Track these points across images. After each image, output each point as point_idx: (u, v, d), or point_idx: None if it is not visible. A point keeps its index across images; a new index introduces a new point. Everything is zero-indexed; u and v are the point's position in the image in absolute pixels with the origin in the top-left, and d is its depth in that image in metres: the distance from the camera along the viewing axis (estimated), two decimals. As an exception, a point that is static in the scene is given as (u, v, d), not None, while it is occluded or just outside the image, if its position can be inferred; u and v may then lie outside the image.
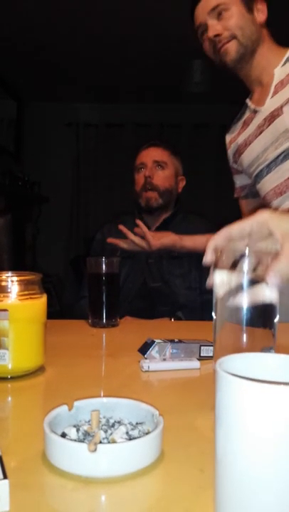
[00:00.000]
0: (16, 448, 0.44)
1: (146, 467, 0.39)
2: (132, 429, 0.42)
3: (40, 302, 0.66)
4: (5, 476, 0.34)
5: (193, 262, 1.38)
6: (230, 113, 1.28)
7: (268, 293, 0.54)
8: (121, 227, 1.23)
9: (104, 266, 1.02)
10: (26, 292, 0.64)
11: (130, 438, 0.41)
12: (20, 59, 3.21)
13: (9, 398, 0.60)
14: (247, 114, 1.14)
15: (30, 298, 0.64)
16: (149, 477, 0.38)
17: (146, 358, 0.71)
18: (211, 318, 0.80)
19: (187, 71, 3.02)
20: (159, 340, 0.72)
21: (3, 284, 0.64)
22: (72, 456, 0.38)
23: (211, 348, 0.73)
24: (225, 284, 0.57)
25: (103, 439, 0.40)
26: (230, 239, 0.58)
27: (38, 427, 0.42)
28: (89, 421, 0.43)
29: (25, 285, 0.65)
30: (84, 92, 3.92)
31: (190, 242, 1.22)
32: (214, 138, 3.87)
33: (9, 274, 0.66)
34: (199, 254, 1.36)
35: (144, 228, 1.22)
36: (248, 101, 1.13)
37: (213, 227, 1.50)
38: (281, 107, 1.02)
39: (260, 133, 1.08)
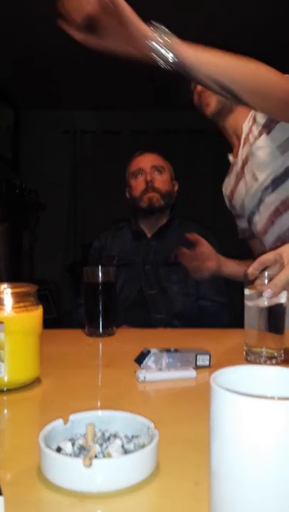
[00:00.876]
0: (11, 462, 0.44)
1: (142, 481, 0.39)
2: (128, 443, 0.42)
3: (36, 314, 0.66)
4: (0, 493, 0.34)
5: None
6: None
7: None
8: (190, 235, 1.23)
9: (100, 275, 1.02)
10: (22, 304, 0.64)
11: (126, 451, 0.41)
12: (17, 67, 3.23)
13: (5, 411, 0.60)
14: (231, 166, 1.26)
15: (26, 310, 0.64)
16: (144, 491, 0.38)
17: (142, 368, 0.71)
18: (207, 326, 0.85)
19: (184, 78, 3.02)
20: (155, 350, 0.72)
21: (-1, 296, 0.64)
22: (67, 471, 0.38)
23: (207, 356, 0.74)
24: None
25: (98, 453, 0.40)
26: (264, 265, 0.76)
27: (34, 441, 0.42)
28: (84, 434, 0.43)
29: (20, 297, 0.65)
30: (80, 100, 3.94)
31: (232, 268, 1.24)
32: (210, 144, 3.89)
33: (5, 285, 0.66)
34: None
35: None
36: (229, 155, 1.24)
37: (209, 233, 1.52)
38: (247, 155, 1.13)
39: (239, 181, 1.19)
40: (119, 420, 0.45)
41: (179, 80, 0.94)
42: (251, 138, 1.11)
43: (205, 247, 1.21)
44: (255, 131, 1.10)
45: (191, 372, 0.68)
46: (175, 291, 1.36)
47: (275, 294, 0.71)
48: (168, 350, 0.73)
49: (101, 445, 0.41)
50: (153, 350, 0.72)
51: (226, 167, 1.26)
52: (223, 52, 0.81)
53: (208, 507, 0.32)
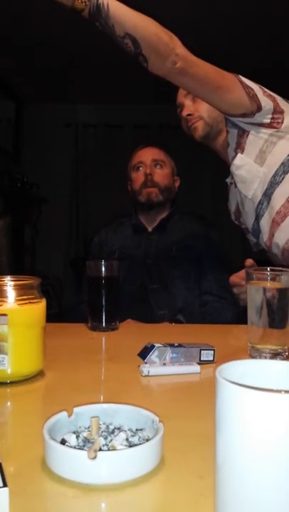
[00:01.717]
0: (15, 454, 0.44)
1: (147, 474, 0.39)
2: (132, 436, 0.42)
3: (40, 307, 0.66)
4: (5, 484, 0.34)
5: (192, 262, 1.38)
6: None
7: None
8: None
9: (103, 269, 1.01)
10: (25, 297, 0.64)
11: (130, 445, 0.41)
12: (19, 60, 3.21)
13: (8, 403, 0.60)
14: (228, 186, 1.28)
15: (30, 302, 0.64)
16: (149, 484, 0.38)
17: (146, 363, 0.70)
18: (210, 321, 0.86)
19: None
20: (159, 345, 0.72)
21: (3, 288, 0.64)
22: (72, 463, 0.38)
23: (212, 352, 0.73)
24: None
25: (103, 445, 0.40)
26: None
27: (38, 433, 0.42)
28: (89, 427, 0.43)
29: (24, 290, 0.65)
30: (83, 93, 3.92)
31: None
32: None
33: (8, 278, 0.66)
34: (198, 254, 1.37)
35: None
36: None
37: (210, 229, 1.51)
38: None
39: (236, 200, 1.21)
40: (123, 413, 0.45)
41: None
42: (231, 160, 1.13)
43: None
44: (231, 152, 1.12)
45: (195, 367, 0.68)
46: (177, 285, 1.36)
47: None
48: (172, 345, 0.72)
49: (105, 438, 0.41)
50: (157, 345, 0.72)
51: (228, 163, 1.26)
52: (127, 6, 0.89)
53: (213, 501, 0.32)
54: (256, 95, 1.00)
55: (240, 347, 0.80)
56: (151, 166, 1.45)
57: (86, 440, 0.41)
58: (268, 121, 1.04)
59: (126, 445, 0.40)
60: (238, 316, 1.31)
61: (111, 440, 0.41)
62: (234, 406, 0.29)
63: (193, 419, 0.53)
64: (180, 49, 0.92)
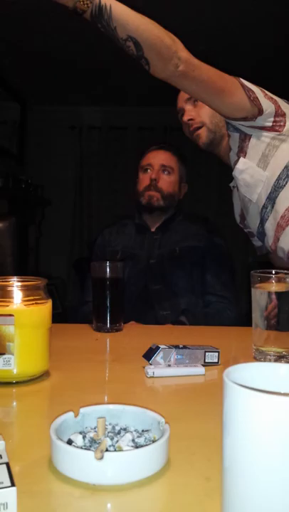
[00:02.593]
0: (21, 454, 0.44)
1: (153, 475, 0.39)
2: (138, 437, 0.42)
3: (46, 307, 0.66)
4: (12, 484, 0.34)
5: (195, 262, 1.38)
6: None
7: None
8: None
9: (108, 270, 1.02)
10: (32, 297, 0.65)
11: (136, 446, 0.41)
12: (24, 62, 3.22)
13: (14, 403, 0.60)
14: (233, 190, 1.27)
15: (36, 303, 0.65)
16: (155, 485, 0.38)
17: (151, 364, 0.71)
18: (213, 321, 0.85)
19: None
20: (164, 346, 0.72)
21: (9, 289, 0.64)
22: (78, 463, 0.38)
23: (216, 354, 0.74)
24: None
25: (109, 446, 0.41)
26: None
27: (44, 433, 0.42)
28: (95, 428, 0.43)
29: (30, 290, 0.65)
30: (87, 95, 3.94)
31: None
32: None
33: (14, 279, 0.66)
34: (201, 255, 1.37)
35: None
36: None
37: (213, 229, 1.51)
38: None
39: (241, 204, 1.21)
40: (129, 414, 0.45)
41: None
42: (233, 165, 1.12)
43: None
44: (234, 156, 1.12)
45: (200, 369, 0.69)
46: (180, 286, 1.36)
47: None
48: (177, 347, 0.73)
49: (112, 438, 0.41)
50: (162, 346, 0.72)
51: (230, 165, 1.26)
52: (130, 9, 0.89)
53: (220, 502, 0.32)
54: (257, 98, 1.00)
55: (245, 349, 0.80)
56: (159, 171, 1.44)
57: (92, 440, 0.41)
58: (270, 124, 1.04)
59: (132, 446, 0.41)
60: (241, 317, 1.31)
61: (117, 441, 0.41)
62: (242, 409, 0.29)
63: (199, 421, 0.53)
64: (182, 52, 0.92)
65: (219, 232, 1.52)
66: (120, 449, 0.40)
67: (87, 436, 0.42)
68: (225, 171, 1.33)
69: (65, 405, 0.46)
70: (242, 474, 0.29)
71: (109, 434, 0.42)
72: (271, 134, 1.05)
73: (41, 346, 0.65)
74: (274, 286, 0.77)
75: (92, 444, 0.41)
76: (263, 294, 0.77)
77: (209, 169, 4.02)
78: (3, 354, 0.61)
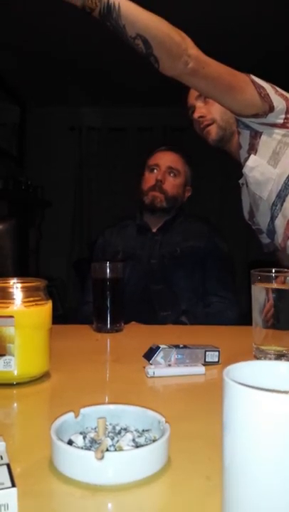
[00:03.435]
0: (22, 454, 0.44)
1: (153, 475, 0.39)
2: (139, 437, 0.42)
3: (46, 308, 0.66)
4: (13, 484, 0.34)
5: (196, 262, 1.38)
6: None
7: None
8: None
9: (108, 271, 1.02)
10: (32, 299, 0.65)
11: (137, 445, 0.41)
12: (23, 63, 3.23)
13: (15, 404, 0.60)
14: (242, 187, 1.26)
15: (36, 304, 0.65)
16: (155, 485, 0.38)
17: (151, 364, 0.71)
18: (214, 322, 0.84)
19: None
20: (164, 346, 0.72)
21: (9, 290, 0.64)
22: (79, 463, 0.38)
23: (216, 353, 0.74)
24: None
25: (110, 446, 0.41)
26: None
27: (44, 434, 0.42)
28: (95, 428, 0.43)
29: (30, 292, 0.65)
30: (86, 96, 3.94)
31: None
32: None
33: (15, 280, 0.66)
34: (202, 255, 1.37)
35: None
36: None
37: (214, 230, 1.51)
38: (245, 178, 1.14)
39: (250, 201, 1.20)
40: (129, 414, 0.45)
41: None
42: (243, 162, 1.12)
43: None
44: (244, 154, 1.11)
45: (200, 369, 0.68)
46: (181, 286, 1.36)
47: None
48: (177, 346, 0.73)
49: (112, 438, 0.41)
50: (162, 346, 0.72)
51: (232, 165, 1.26)
52: (138, 6, 0.88)
53: (220, 501, 0.32)
54: (268, 95, 1.00)
55: (245, 348, 0.80)
56: (165, 173, 1.44)
57: (93, 441, 0.41)
58: (281, 121, 1.03)
59: (133, 446, 0.41)
60: (242, 316, 1.31)
61: (118, 441, 0.41)
62: (242, 407, 0.29)
63: (199, 420, 0.53)
64: (192, 49, 0.91)
65: (220, 232, 1.52)
66: (121, 449, 0.40)
67: (87, 436, 0.42)
68: (226, 171, 1.33)
69: (66, 406, 0.46)
70: (242, 473, 0.29)
71: (110, 434, 0.42)
72: (282, 131, 1.04)
73: (41, 347, 0.65)
74: (274, 285, 0.77)
75: (92, 445, 0.41)
76: (263, 292, 0.77)
77: (211, 170, 4.01)
78: (4, 355, 0.61)
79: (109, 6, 0.84)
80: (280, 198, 1.06)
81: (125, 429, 0.43)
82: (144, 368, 0.69)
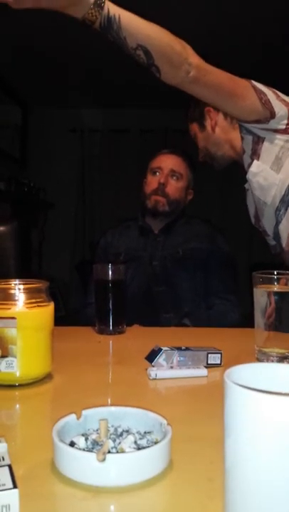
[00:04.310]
0: (24, 456, 0.44)
1: (155, 477, 0.39)
2: (141, 439, 0.42)
3: (48, 310, 0.66)
4: (15, 486, 0.34)
5: (198, 264, 1.38)
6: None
7: None
8: None
9: (110, 273, 1.02)
10: (34, 300, 0.65)
11: (139, 447, 0.41)
12: (25, 65, 3.24)
13: (17, 406, 0.60)
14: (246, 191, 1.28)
15: (38, 306, 0.65)
16: (157, 487, 0.38)
17: (153, 366, 0.71)
18: (216, 324, 0.84)
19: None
20: (166, 348, 0.72)
21: (11, 292, 0.65)
22: (81, 465, 0.38)
23: (219, 355, 0.73)
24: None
25: (112, 448, 0.41)
26: None
27: (46, 435, 0.42)
28: (97, 430, 0.43)
29: (32, 293, 0.65)
30: (88, 98, 3.95)
31: None
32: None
33: (17, 282, 0.66)
34: (204, 257, 1.37)
35: None
36: None
37: (216, 231, 1.50)
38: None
39: (255, 206, 1.20)
40: (131, 416, 0.45)
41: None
42: (247, 167, 1.13)
43: None
44: (247, 159, 1.12)
45: (203, 371, 0.68)
46: (183, 287, 1.36)
47: None
48: (179, 349, 0.73)
49: (114, 440, 0.41)
50: (164, 348, 0.72)
51: (234, 166, 1.26)
52: (138, 17, 0.88)
53: (222, 504, 0.32)
54: (269, 101, 1.00)
55: (247, 350, 0.80)
56: (168, 176, 1.44)
57: (95, 442, 0.41)
58: (283, 127, 1.04)
59: (134, 448, 0.41)
60: (244, 318, 1.31)
61: (119, 443, 0.41)
62: (243, 410, 0.29)
63: (201, 422, 0.53)
64: (193, 58, 0.91)
65: (222, 233, 1.52)
66: (122, 451, 0.40)
67: (89, 438, 0.42)
68: (228, 174, 1.34)
69: (68, 408, 0.46)
70: (244, 475, 0.29)
71: (112, 436, 0.42)
72: (285, 137, 1.05)
73: (44, 349, 0.65)
74: (276, 287, 0.77)
75: (94, 446, 0.41)
76: (265, 295, 0.77)
77: (212, 172, 4.01)
78: (6, 357, 0.61)
79: (110, 19, 0.84)
80: (284, 202, 1.06)
81: (127, 431, 0.43)
82: (146, 370, 0.69)
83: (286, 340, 0.76)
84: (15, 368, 0.62)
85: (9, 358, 0.61)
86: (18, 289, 0.65)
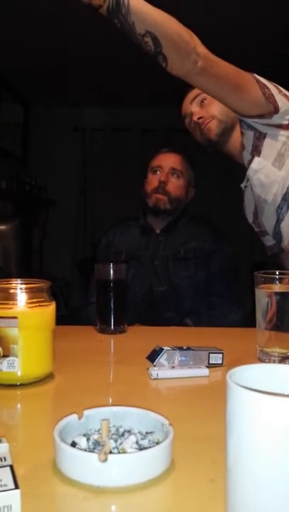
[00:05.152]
0: (25, 456, 0.44)
1: (157, 477, 0.39)
2: (142, 439, 0.42)
3: (49, 309, 0.66)
4: (16, 486, 0.34)
5: (199, 264, 1.37)
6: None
7: None
8: None
9: (112, 272, 1.02)
10: (35, 300, 0.65)
11: (140, 448, 0.41)
12: (27, 63, 3.24)
13: (19, 405, 0.60)
14: (244, 190, 1.25)
15: (40, 305, 0.65)
16: (159, 487, 0.38)
17: (155, 366, 0.71)
18: (218, 323, 0.84)
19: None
20: (168, 348, 0.72)
21: (13, 291, 0.65)
22: (82, 465, 0.38)
23: (220, 355, 0.73)
24: None
25: (113, 448, 0.41)
26: None
27: (48, 435, 0.42)
28: (99, 430, 0.43)
29: (34, 293, 0.65)
30: (90, 97, 3.95)
31: None
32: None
33: (18, 281, 0.66)
34: (206, 256, 1.37)
35: None
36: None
37: (218, 231, 1.50)
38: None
39: (254, 204, 1.19)
40: (133, 416, 0.45)
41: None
42: (247, 164, 1.11)
43: None
44: (247, 155, 1.10)
45: (204, 371, 0.68)
46: (185, 287, 1.36)
47: None
48: (180, 348, 0.73)
49: (116, 441, 0.41)
50: (166, 348, 0.72)
51: (235, 166, 1.25)
52: (147, 3, 0.86)
53: (224, 504, 0.32)
54: (273, 95, 0.99)
55: (249, 350, 0.80)
56: (168, 174, 1.44)
57: (96, 443, 0.41)
58: (287, 122, 1.02)
59: (136, 448, 0.41)
60: (246, 318, 1.30)
61: (121, 443, 0.41)
62: (245, 410, 0.29)
63: (203, 422, 0.53)
64: (201, 48, 0.89)
65: (223, 233, 1.52)
66: (124, 451, 0.40)
67: (91, 438, 0.42)
68: (229, 173, 1.33)
69: (70, 407, 0.46)
70: (245, 475, 0.29)
71: (113, 436, 0.42)
72: (287, 133, 1.03)
73: (45, 348, 0.65)
74: (277, 287, 0.77)
75: (95, 446, 0.41)
76: (266, 295, 0.77)
77: (213, 171, 4.01)
78: (7, 356, 0.61)
79: (118, 2, 0.82)
80: (286, 200, 1.05)
81: (129, 431, 0.43)
82: (148, 369, 0.69)
83: (288, 341, 0.76)
84: (16, 367, 0.62)
85: (11, 358, 0.62)
86: (19, 288, 0.65)
